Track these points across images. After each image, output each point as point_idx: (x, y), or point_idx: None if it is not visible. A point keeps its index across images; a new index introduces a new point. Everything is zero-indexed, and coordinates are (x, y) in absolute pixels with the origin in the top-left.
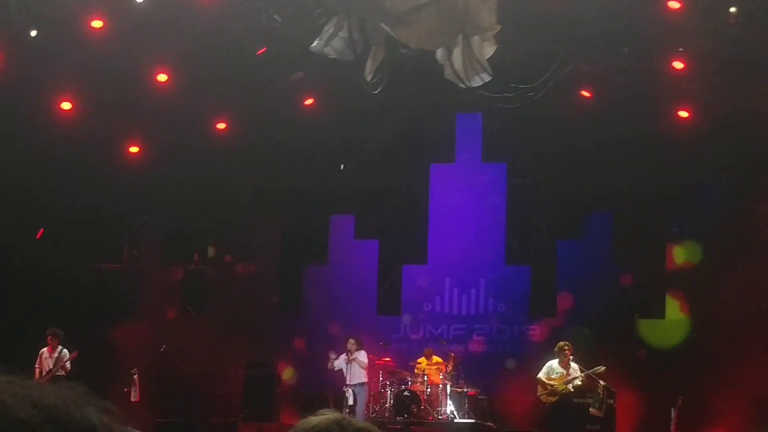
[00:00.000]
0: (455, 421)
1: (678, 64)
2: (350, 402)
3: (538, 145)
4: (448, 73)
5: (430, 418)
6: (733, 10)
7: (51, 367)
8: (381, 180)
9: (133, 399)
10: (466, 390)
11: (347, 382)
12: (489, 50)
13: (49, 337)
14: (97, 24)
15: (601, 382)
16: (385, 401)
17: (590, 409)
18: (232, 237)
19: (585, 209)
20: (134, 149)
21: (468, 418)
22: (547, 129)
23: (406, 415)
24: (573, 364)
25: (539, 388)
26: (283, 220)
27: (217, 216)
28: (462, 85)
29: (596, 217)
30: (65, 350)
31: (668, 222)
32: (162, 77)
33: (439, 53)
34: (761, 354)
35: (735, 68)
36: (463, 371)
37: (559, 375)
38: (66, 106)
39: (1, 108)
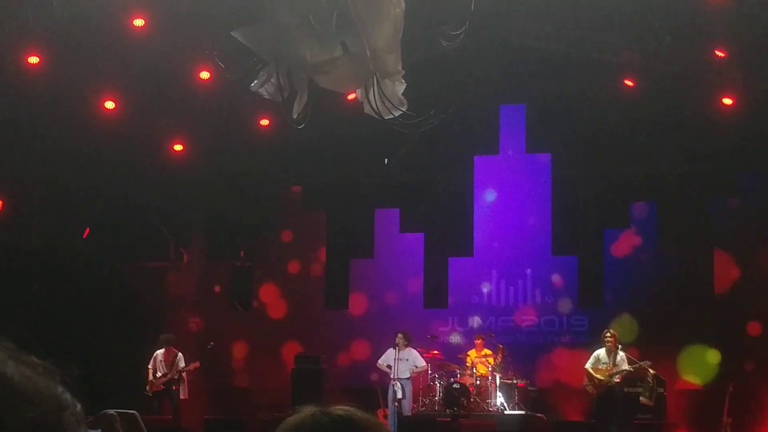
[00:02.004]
0: (505, 413)
1: (720, 52)
2: (399, 395)
3: (582, 135)
4: (366, 109)
5: (480, 410)
6: None
7: (167, 370)
8: (425, 173)
9: (182, 397)
10: (515, 382)
11: (395, 376)
12: (400, 88)
13: (165, 344)
14: (139, 23)
15: (651, 371)
16: (435, 394)
17: (640, 398)
18: (277, 233)
19: (632, 198)
20: (179, 147)
21: (518, 410)
22: (591, 119)
23: (456, 408)
24: (620, 353)
25: (585, 378)
26: (329, 215)
27: (262, 212)
28: (379, 119)
29: (642, 206)
30: (180, 355)
31: (713, 209)
32: (205, 75)
33: (360, 92)
34: None
35: None
36: (512, 363)
37: (605, 365)
38: (110, 105)
39: (47, 108)
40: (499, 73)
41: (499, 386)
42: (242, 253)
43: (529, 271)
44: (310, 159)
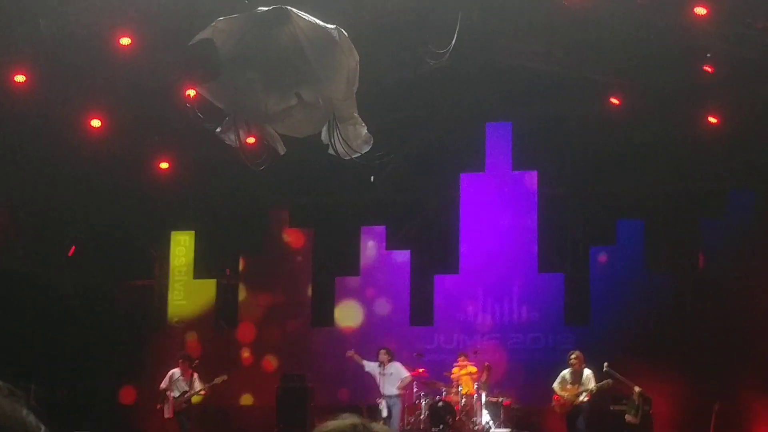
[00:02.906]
0: (491, 431)
1: (707, 69)
2: (384, 414)
3: (568, 152)
4: (330, 150)
5: (466, 428)
6: None
7: (188, 388)
8: (412, 190)
9: (166, 416)
10: (501, 400)
11: (381, 393)
12: (362, 129)
13: (180, 360)
14: (125, 41)
15: (636, 389)
16: (420, 412)
17: (626, 417)
18: (263, 250)
19: (617, 216)
20: (164, 165)
21: (504, 428)
22: (578, 137)
23: (441, 426)
24: (586, 372)
25: (553, 398)
26: (315, 232)
27: (249, 230)
28: (345, 158)
29: (628, 224)
30: (195, 374)
31: (699, 228)
32: (191, 92)
33: (323, 135)
34: None
35: (763, 72)
36: (498, 381)
37: (571, 385)
38: (96, 123)
39: (33, 126)
40: (486, 91)
41: (485, 404)
42: (228, 271)
43: (515, 288)
44: (296, 177)
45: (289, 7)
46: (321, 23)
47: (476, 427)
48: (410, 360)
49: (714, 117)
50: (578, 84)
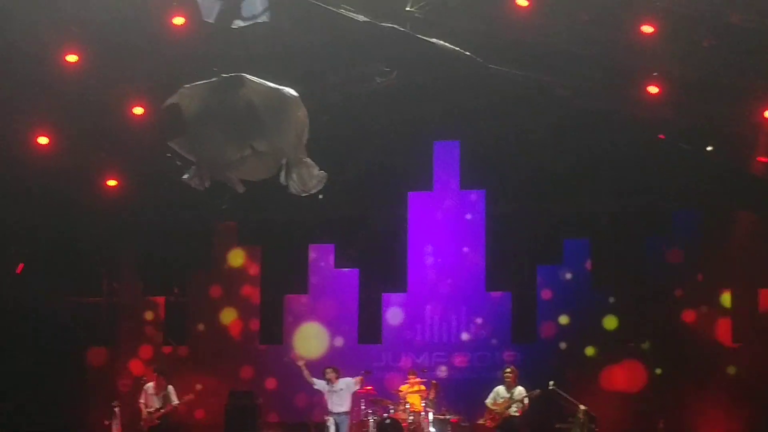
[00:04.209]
0: None
1: (653, 89)
2: (332, 431)
3: (516, 171)
4: (292, 189)
5: None
6: None
7: (159, 404)
8: (360, 208)
9: None
10: (448, 417)
11: (329, 410)
12: (314, 170)
13: (155, 375)
14: (72, 58)
15: (582, 407)
16: (368, 430)
17: None
18: (211, 268)
19: (565, 234)
20: (112, 182)
21: None
22: (525, 155)
23: None
24: (518, 388)
25: (485, 414)
26: (263, 250)
27: (197, 247)
28: (304, 195)
29: (574, 243)
30: (171, 387)
31: (646, 246)
32: (138, 110)
33: (282, 177)
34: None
35: (709, 91)
36: (445, 398)
37: (503, 399)
38: (43, 140)
39: None
40: (433, 109)
41: (432, 422)
42: (176, 288)
43: (462, 306)
44: (244, 194)
45: (244, 75)
46: (273, 85)
47: None
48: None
49: (661, 136)
50: (527, 100)
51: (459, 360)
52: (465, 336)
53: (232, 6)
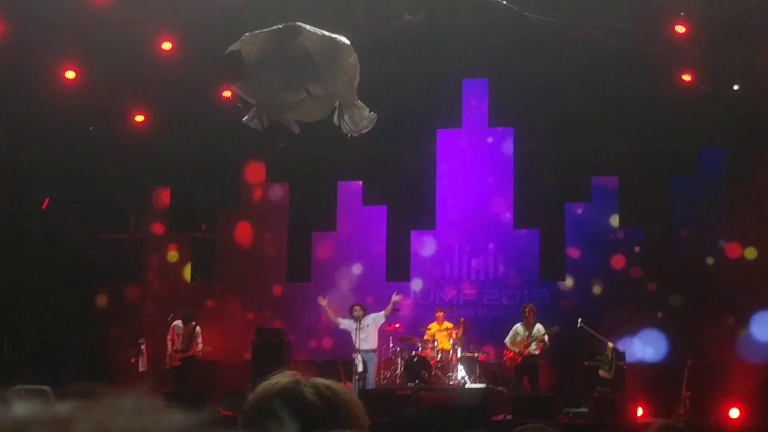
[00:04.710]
0: (466, 386)
1: (680, 28)
2: (359, 369)
3: (544, 109)
4: (344, 129)
5: (441, 383)
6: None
7: (184, 346)
8: (388, 146)
9: (141, 369)
10: (476, 355)
11: (356, 347)
12: (364, 112)
13: (181, 321)
14: None
15: (610, 344)
16: (396, 368)
17: (600, 371)
18: (239, 205)
19: (593, 172)
20: (140, 118)
21: (479, 383)
22: (554, 94)
23: (417, 381)
24: (537, 326)
25: (505, 352)
26: (291, 187)
27: (224, 185)
28: (356, 135)
29: (602, 180)
30: (198, 329)
31: (672, 185)
32: (167, 45)
33: (335, 118)
34: None
35: (735, 30)
36: (474, 336)
37: (522, 338)
38: (70, 75)
39: (5, 78)
40: (462, 47)
41: (460, 359)
42: (203, 225)
43: (491, 244)
44: (272, 131)
45: (300, 23)
46: (327, 33)
47: (451, 382)
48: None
49: (688, 75)
50: (555, 40)
51: (487, 298)
52: (493, 274)
53: None
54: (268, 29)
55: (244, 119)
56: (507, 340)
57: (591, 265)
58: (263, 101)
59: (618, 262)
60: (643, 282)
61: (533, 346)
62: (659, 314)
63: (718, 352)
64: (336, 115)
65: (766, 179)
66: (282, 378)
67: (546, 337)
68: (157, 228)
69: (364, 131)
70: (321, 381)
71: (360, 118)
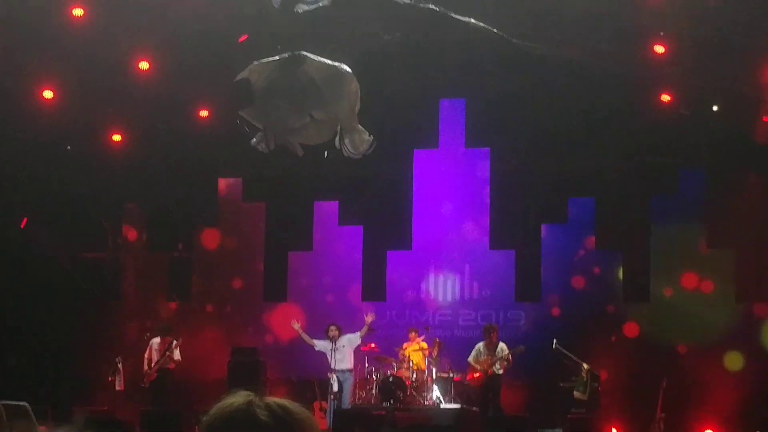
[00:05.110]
0: (441, 406)
1: (659, 48)
2: (335, 388)
3: (521, 130)
4: (345, 152)
5: (416, 403)
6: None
7: (158, 358)
8: (365, 166)
9: (117, 388)
10: (451, 375)
11: (332, 368)
12: (364, 136)
13: (159, 335)
14: (78, 12)
15: (585, 366)
16: (371, 387)
17: (574, 393)
18: (216, 224)
19: (569, 193)
20: (117, 137)
21: (454, 404)
22: (531, 114)
23: (392, 401)
24: (501, 345)
25: (469, 370)
26: (267, 206)
27: (201, 203)
28: (357, 157)
29: (579, 201)
30: (176, 342)
31: (650, 205)
32: (144, 65)
33: (336, 142)
34: (746, 337)
35: (716, 51)
36: (449, 356)
37: (485, 357)
38: (48, 94)
39: None
40: (440, 67)
41: (435, 380)
42: (180, 244)
43: (467, 265)
44: (249, 150)
45: (305, 53)
46: (330, 62)
47: (427, 402)
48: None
49: (667, 95)
50: (532, 60)
51: (463, 318)
52: (468, 294)
53: None
54: (274, 58)
55: (251, 142)
56: (470, 358)
57: (567, 286)
58: (270, 125)
59: (593, 283)
60: (620, 303)
61: (497, 365)
62: (634, 335)
63: (692, 373)
64: (337, 138)
65: (744, 200)
66: (236, 398)
67: (510, 357)
68: (134, 246)
69: (364, 154)
70: (275, 401)
71: (360, 142)
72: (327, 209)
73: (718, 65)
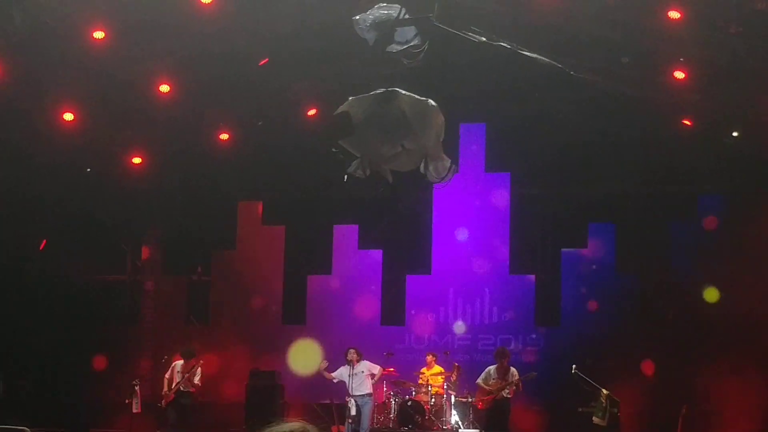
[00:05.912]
0: (459, 431)
1: (679, 74)
2: (352, 413)
3: (541, 154)
4: (429, 178)
5: (435, 428)
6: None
7: (179, 380)
8: (384, 190)
9: (134, 410)
10: (470, 400)
11: (350, 393)
12: (446, 164)
13: (181, 357)
14: (99, 35)
15: (604, 391)
16: (390, 411)
17: (593, 418)
18: (235, 247)
19: (589, 218)
20: (137, 160)
21: (472, 428)
22: (551, 138)
23: (410, 426)
24: (512, 370)
25: (477, 393)
26: (287, 230)
27: (221, 226)
28: (438, 182)
29: (599, 227)
30: (199, 369)
31: (669, 230)
32: (164, 88)
33: (422, 169)
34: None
35: (735, 77)
36: (467, 381)
37: (495, 380)
38: (68, 117)
39: (5, 118)
40: (460, 91)
41: (454, 404)
42: (199, 268)
43: (486, 289)
44: (269, 173)
45: (397, 89)
46: (419, 97)
47: (445, 427)
48: (380, 359)
49: (687, 120)
50: (553, 85)
51: (482, 343)
52: (488, 319)
53: (387, 34)
54: (370, 93)
55: (348, 169)
56: (480, 380)
57: (586, 311)
58: (365, 154)
59: (614, 308)
60: (640, 328)
61: (506, 390)
62: (654, 360)
63: (712, 400)
64: (422, 165)
65: (764, 225)
66: (293, 424)
67: (520, 383)
68: (154, 269)
69: (446, 180)
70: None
71: (443, 169)
72: (346, 233)
73: (738, 91)
